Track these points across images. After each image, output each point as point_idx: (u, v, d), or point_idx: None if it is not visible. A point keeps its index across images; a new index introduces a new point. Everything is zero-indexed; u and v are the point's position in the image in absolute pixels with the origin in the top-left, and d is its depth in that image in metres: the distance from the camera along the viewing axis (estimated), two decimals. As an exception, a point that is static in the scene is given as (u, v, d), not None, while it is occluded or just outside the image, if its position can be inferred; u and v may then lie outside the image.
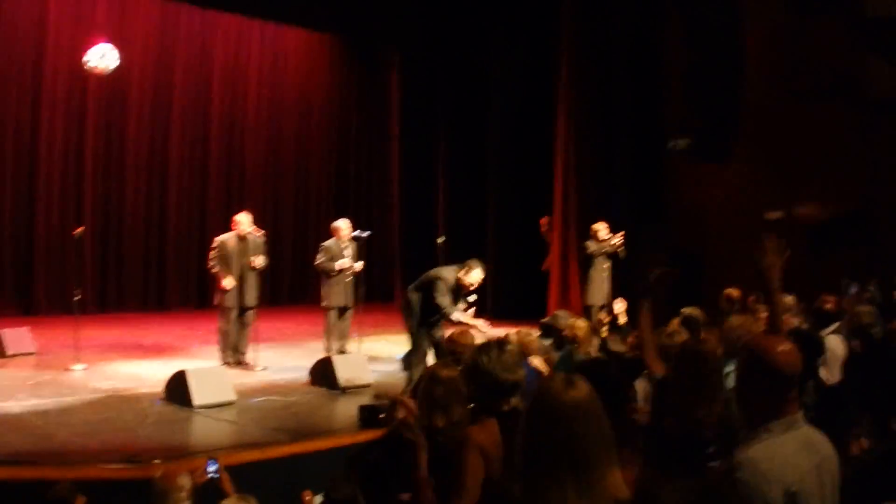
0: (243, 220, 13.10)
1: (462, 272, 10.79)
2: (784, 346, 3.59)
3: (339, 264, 13.37)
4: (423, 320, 11.14)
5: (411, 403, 5.17)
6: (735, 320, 7.66)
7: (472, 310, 11.02)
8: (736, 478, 3.30)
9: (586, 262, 15.45)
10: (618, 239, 15.25)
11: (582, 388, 3.25)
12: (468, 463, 4.31)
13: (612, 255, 15.28)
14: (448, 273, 10.88)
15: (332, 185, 23.82)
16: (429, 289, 10.94)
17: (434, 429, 4.89)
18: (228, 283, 12.82)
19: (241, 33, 21.67)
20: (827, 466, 3.54)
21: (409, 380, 10.72)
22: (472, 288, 10.92)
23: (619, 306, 11.20)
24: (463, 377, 4.93)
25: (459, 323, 10.36)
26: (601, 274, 15.31)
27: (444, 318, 10.90)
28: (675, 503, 2.38)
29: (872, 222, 16.11)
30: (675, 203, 18.45)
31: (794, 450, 3.44)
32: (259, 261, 12.97)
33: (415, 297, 11.19)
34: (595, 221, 15.79)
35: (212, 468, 5.60)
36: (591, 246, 15.36)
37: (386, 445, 5.01)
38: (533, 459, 3.18)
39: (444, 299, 10.66)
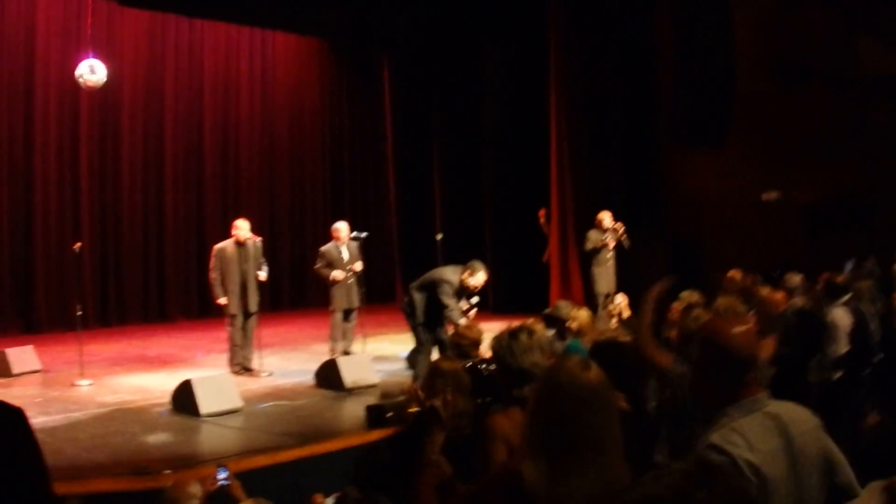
0: (242, 226, 13.06)
1: (466, 274, 10.84)
2: (738, 328, 3.48)
3: (333, 274, 13.40)
4: (427, 319, 11.14)
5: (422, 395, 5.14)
6: (722, 301, 7.65)
7: (475, 311, 11.03)
8: (710, 461, 3.17)
9: (590, 251, 15.41)
10: (619, 228, 15.24)
11: (597, 371, 3.21)
12: (492, 452, 4.25)
13: (616, 245, 15.28)
14: (451, 275, 10.91)
15: (327, 189, 23.81)
16: (432, 289, 10.95)
17: (439, 416, 4.85)
18: (224, 300, 12.85)
19: (231, 41, 21.66)
20: (802, 443, 3.40)
21: (415, 377, 10.72)
22: (475, 290, 10.94)
23: (621, 300, 11.20)
24: (494, 363, 4.88)
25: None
26: (605, 263, 15.31)
27: (448, 320, 10.87)
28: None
29: (868, 203, 16.11)
30: (671, 190, 18.46)
31: (757, 430, 3.33)
32: (262, 274, 12.99)
33: (418, 297, 11.21)
34: (592, 211, 15.79)
35: (222, 476, 5.56)
36: (593, 235, 15.33)
37: (396, 443, 4.98)
38: (554, 438, 3.10)
39: (450, 301, 10.69)
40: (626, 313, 10.83)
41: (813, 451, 3.42)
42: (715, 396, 3.45)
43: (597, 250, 15.27)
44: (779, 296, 9.58)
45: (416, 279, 11.50)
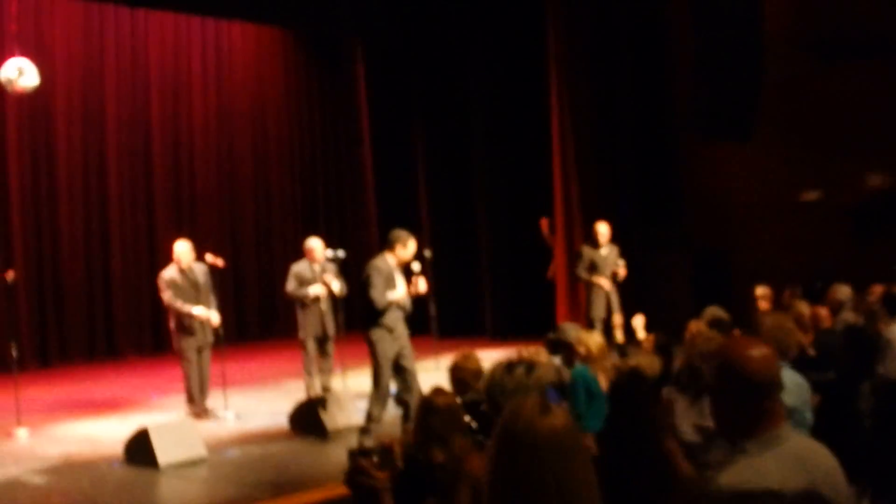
0: (180, 251, 13.02)
1: (398, 249, 10.84)
2: (757, 351, 3.53)
3: (312, 291, 13.37)
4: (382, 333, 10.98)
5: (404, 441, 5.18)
6: (769, 320, 7.60)
7: (423, 279, 11.03)
8: None
9: (588, 269, 15.46)
10: (621, 268, 15.29)
11: (559, 416, 3.08)
12: (457, 498, 4.31)
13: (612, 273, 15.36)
14: (380, 262, 10.81)
15: (297, 201, 23.80)
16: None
17: (433, 465, 4.92)
18: (199, 311, 12.78)
19: (180, 34, 21.66)
20: (827, 483, 3.41)
21: (406, 417, 10.65)
22: (412, 258, 11.01)
23: (639, 321, 11.26)
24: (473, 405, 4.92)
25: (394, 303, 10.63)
26: (602, 283, 15.36)
27: (381, 312, 10.73)
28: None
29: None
30: (693, 191, 18.44)
31: (776, 470, 3.35)
32: (214, 318, 12.92)
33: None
34: (602, 218, 15.80)
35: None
36: (587, 252, 15.42)
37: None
38: (517, 496, 3.00)
39: (373, 292, 10.58)
40: (642, 335, 10.89)
41: (839, 490, 3.45)
42: (735, 426, 3.51)
43: (592, 266, 15.36)
44: (823, 311, 9.61)
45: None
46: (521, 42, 20.04)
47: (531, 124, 19.81)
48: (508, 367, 4.79)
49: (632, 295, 15.63)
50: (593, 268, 15.40)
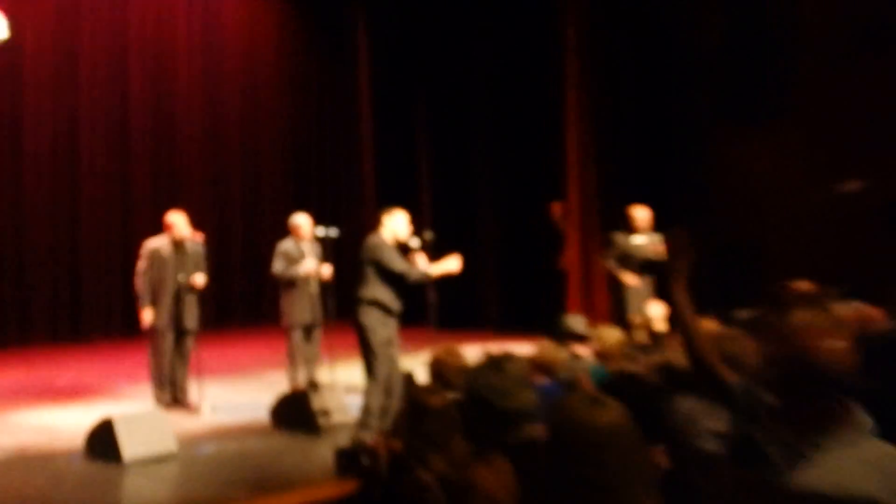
0: (178, 222, 12.88)
1: (385, 221, 10.89)
2: (831, 342, 3.46)
3: (303, 269, 13.25)
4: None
5: (394, 444, 5.03)
6: (801, 315, 7.31)
7: (423, 256, 11.09)
8: None
9: (619, 260, 15.01)
10: (658, 242, 14.78)
11: (613, 410, 3.18)
12: None
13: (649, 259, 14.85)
14: (379, 239, 10.79)
15: (288, 176, 23.81)
16: (380, 272, 10.70)
17: (433, 473, 4.83)
18: (148, 315, 12.65)
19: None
20: None
21: (367, 412, 10.46)
22: (407, 234, 11.02)
23: (658, 310, 11.06)
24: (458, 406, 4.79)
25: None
26: (629, 281, 14.70)
27: (413, 284, 10.74)
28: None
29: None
30: (720, 179, 18.26)
31: (855, 468, 3.29)
32: (199, 279, 12.84)
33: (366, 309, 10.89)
34: (622, 202, 15.52)
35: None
36: (619, 239, 14.91)
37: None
38: (553, 500, 3.10)
39: (401, 264, 10.61)
40: (661, 327, 10.75)
41: None
42: (806, 423, 3.43)
43: (626, 255, 14.88)
44: (875, 312, 9.34)
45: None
46: (533, 11, 19.87)
47: (542, 99, 19.74)
48: (493, 364, 4.68)
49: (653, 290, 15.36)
50: (624, 260, 14.82)
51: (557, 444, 3.15)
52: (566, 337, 9.41)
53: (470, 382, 4.65)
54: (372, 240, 10.79)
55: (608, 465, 3.02)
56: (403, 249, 10.93)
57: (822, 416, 3.39)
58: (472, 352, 7.83)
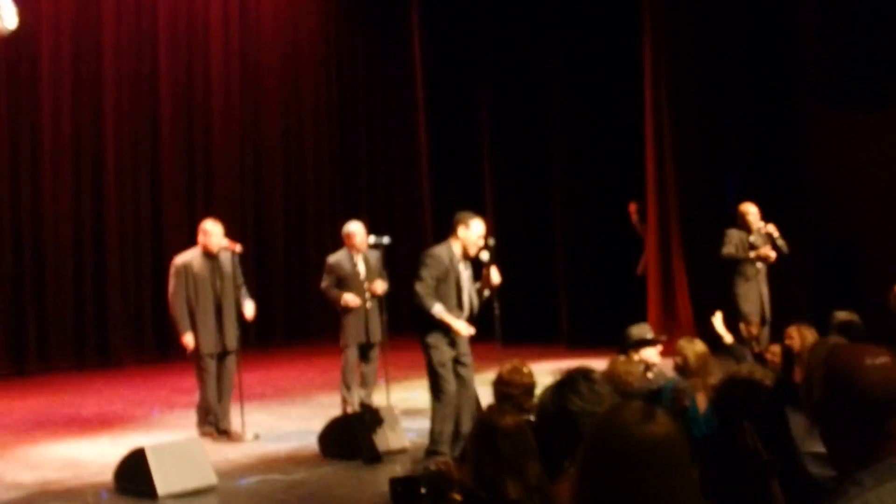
0: (213, 231, 12.85)
1: (459, 231, 10.85)
2: (876, 359, 3.35)
3: (346, 298, 13.28)
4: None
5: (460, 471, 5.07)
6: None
7: (494, 268, 11.04)
8: None
9: (728, 258, 15.00)
10: (773, 231, 14.81)
11: (664, 423, 3.13)
12: None
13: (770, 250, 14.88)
14: (440, 250, 10.86)
15: (336, 177, 23.77)
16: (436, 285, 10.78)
17: (506, 500, 4.83)
18: (190, 340, 12.66)
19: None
20: None
21: (435, 439, 10.57)
22: (481, 244, 10.94)
23: (718, 320, 11.14)
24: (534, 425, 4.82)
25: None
26: (754, 276, 14.91)
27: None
28: None
29: None
30: (817, 171, 18.22)
31: None
32: (248, 310, 12.94)
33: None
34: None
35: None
36: (734, 237, 14.93)
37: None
38: None
39: (419, 285, 10.64)
40: (728, 338, 10.85)
41: None
42: (848, 451, 3.33)
43: (739, 259, 14.89)
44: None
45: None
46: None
47: (620, 91, 19.78)
48: (568, 381, 4.74)
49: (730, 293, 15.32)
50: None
51: (598, 451, 3.13)
52: (632, 346, 9.48)
53: (553, 400, 4.68)
54: (432, 249, 10.87)
55: (652, 481, 3.01)
56: (475, 263, 10.94)
57: (863, 446, 3.29)
58: (542, 368, 7.86)
